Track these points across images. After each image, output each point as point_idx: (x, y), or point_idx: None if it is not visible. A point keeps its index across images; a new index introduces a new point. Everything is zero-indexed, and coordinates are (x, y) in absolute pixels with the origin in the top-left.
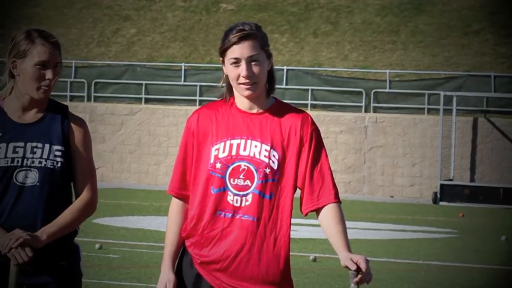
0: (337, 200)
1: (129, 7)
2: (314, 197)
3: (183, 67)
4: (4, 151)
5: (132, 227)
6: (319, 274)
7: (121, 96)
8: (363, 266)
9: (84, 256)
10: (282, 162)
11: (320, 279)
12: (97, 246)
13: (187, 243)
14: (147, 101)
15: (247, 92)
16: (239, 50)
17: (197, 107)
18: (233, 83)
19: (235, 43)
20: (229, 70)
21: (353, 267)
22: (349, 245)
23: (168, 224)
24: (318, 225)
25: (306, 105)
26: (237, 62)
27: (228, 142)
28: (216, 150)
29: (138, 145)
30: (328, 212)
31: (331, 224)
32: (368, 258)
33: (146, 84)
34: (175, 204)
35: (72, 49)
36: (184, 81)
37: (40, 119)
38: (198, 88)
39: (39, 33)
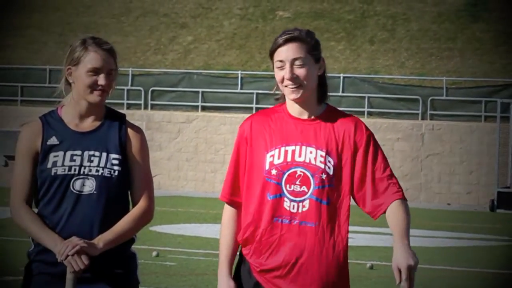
0: (402, 197)
1: (185, 15)
2: (382, 199)
3: (239, 75)
4: (61, 159)
5: (189, 234)
6: (376, 282)
7: (178, 104)
8: (402, 276)
9: (141, 264)
10: (337, 167)
11: (377, 287)
12: (154, 253)
13: (244, 251)
14: (204, 109)
15: (292, 96)
16: (284, 53)
17: None
18: (280, 86)
19: (280, 45)
20: (275, 72)
21: (397, 280)
22: (403, 236)
23: (221, 231)
24: (375, 233)
25: (362, 113)
26: (282, 64)
27: (282, 149)
28: (271, 156)
29: (194, 153)
30: (392, 209)
31: (393, 218)
32: (420, 265)
33: (202, 92)
34: (228, 211)
35: (129, 57)
36: (241, 88)
37: (97, 128)
38: (254, 95)
39: (93, 40)
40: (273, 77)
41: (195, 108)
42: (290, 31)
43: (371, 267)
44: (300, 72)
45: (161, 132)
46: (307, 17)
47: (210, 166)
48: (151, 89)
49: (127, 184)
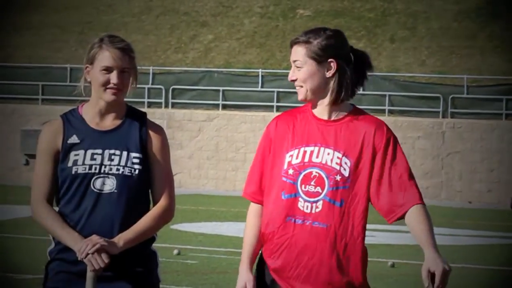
0: (421, 201)
1: (206, 13)
2: (398, 203)
3: (260, 73)
4: (82, 158)
5: (210, 233)
6: (397, 280)
7: (199, 103)
8: (436, 281)
9: (162, 262)
10: (354, 169)
11: (398, 285)
12: (175, 252)
13: (262, 249)
14: (225, 107)
15: (298, 96)
16: (291, 56)
17: (274, 113)
18: None
19: (291, 47)
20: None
21: (426, 283)
22: (433, 243)
23: (245, 227)
24: (396, 231)
25: (383, 111)
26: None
27: (302, 149)
28: (290, 156)
29: (215, 151)
30: (413, 214)
31: (416, 224)
32: (448, 268)
33: (223, 90)
34: (252, 208)
35: (149, 56)
36: (262, 87)
37: (118, 126)
38: (275, 94)
39: (109, 38)
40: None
41: (216, 106)
42: (304, 33)
43: (392, 265)
44: (298, 73)
45: (182, 131)
46: (327, 15)
47: (231, 165)
48: (171, 87)
49: (148, 183)
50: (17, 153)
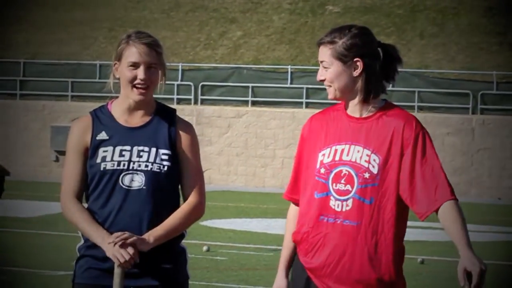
0: (454, 197)
1: (235, 10)
2: (430, 200)
3: (289, 70)
4: (111, 154)
5: (240, 229)
6: (427, 277)
7: (228, 99)
8: (474, 281)
9: (192, 259)
10: (383, 166)
11: (428, 282)
12: (204, 248)
13: (297, 249)
14: (254, 103)
15: (329, 96)
16: (319, 54)
17: (304, 109)
18: None
19: (318, 47)
20: None
21: (462, 283)
22: (467, 241)
23: (285, 229)
24: (426, 227)
25: (413, 107)
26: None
27: (333, 148)
28: (322, 155)
29: (245, 148)
30: (446, 210)
31: (449, 221)
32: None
33: (252, 87)
34: (291, 209)
35: (178, 52)
36: (291, 83)
37: (147, 123)
38: (304, 90)
39: (136, 34)
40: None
41: (245, 103)
42: (329, 33)
43: (422, 262)
44: (326, 74)
45: (211, 127)
46: (356, 12)
47: (260, 161)
48: (201, 84)
49: (177, 180)
50: (47, 150)
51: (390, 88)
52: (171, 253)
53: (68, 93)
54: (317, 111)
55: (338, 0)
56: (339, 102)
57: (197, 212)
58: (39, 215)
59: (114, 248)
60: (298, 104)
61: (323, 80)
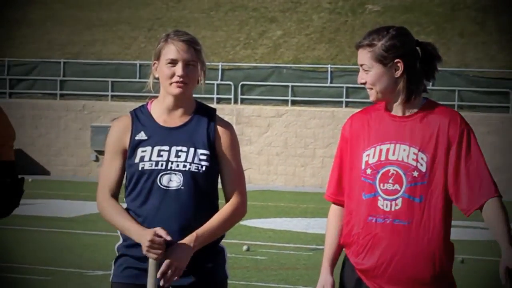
0: (498, 194)
1: (275, 9)
2: (475, 196)
3: (329, 69)
4: (149, 154)
5: (279, 228)
6: (466, 276)
7: (268, 98)
8: None
9: (232, 258)
10: (431, 164)
11: (468, 281)
12: (244, 248)
13: (346, 251)
14: (294, 103)
15: (370, 97)
16: (358, 57)
17: (343, 108)
18: None
19: (357, 49)
20: None
21: (503, 281)
22: (510, 239)
23: (327, 228)
24: (466, 226)
25: (453, 106)
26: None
27: (378, 148)
28: (366, 156)
29: (285, 147)
30: (490, 207)
31: (492, 218)
32: None
33: (292, 86)
34: (333, 209)
35: (218, 52)
36: (331, 82)
37: (186, 123)
38: (344, 89)
39: (174, 32)
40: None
41: (285, 102)
42: (367, 35)
43: (462, 261)
44: (367, 77)
45: (251, 127)
46: (396, 11)
47: (300, 160)
48: (240, 83)
49: (216, 180)
50: (87, 150)
51: (429, 87)
52: (211, 252)
53: (108, 93)
54: (357, 110)
55: None
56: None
57: (240, 213)
58: (79, 214)
59: (149, 247)
60: (338, 103)
61: (364, 83)
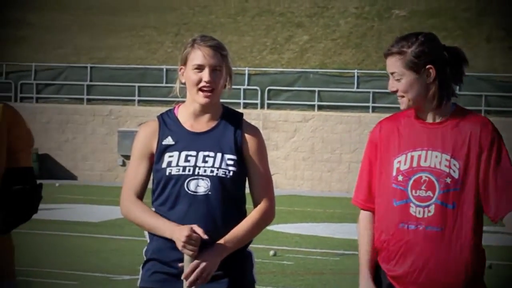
0: None
1: (301, 14)
2: (502, 203)
3: (356, 74)
4: (176, 159)
5: (306, 233)
6: (494, 282)
7: (294, 103)
8: None
9: (258, 263)
10: (463, 170)
11: (496, 287)
12: (271, 253)
13: (378, 257)
14: (320, 108)
15: (401, 106)
16: (387, 66)
17: (370, 113)
18: None
19: (385, 57)
20: None
21: None
22: None
23: (359, 235)
24: (494, 232)
25: (479, 111)
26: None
27: (409, 154)
28: (398, 162)
29: (311, 152)
30: None
31: None
32: None
33: (319, 91)
34: (364, 216)
35: (245, 57)
36: (357, 87)
37: (213, 128)
38: (371, 94)
39: (200, 37)
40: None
41: (312, 107)
42: (396, 43)
43: (490, 267)
44: (399, 85)
45: (277, 132)
46: (423, 16)
47: (327, 166)
48: (267, 88)
49: (243, 185)
50: (114, 154)
51: (457, 91)
52: (239, 257)
53: (135, 97)
54: (383, 115)
55: (404, 4)
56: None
57: (268, 219)
58: (105, 219)
59: (186, 242)
60: (365, 108)
61: (395, 91)
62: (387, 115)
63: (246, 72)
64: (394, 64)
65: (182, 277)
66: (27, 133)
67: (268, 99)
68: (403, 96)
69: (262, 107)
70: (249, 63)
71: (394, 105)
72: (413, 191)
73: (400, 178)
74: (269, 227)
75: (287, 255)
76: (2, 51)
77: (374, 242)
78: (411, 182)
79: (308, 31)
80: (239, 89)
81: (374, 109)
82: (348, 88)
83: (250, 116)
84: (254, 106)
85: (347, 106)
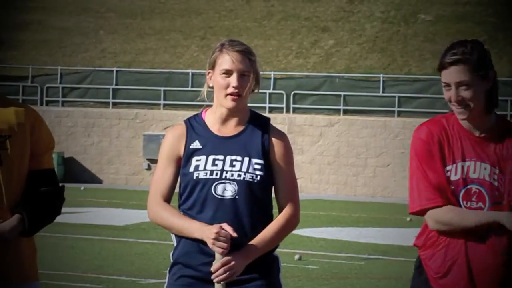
0: None
1: (327, 19)
2: None
3: (381, 78)
4: (203, 163)
5: (331, 238)
6: None
7: (320, 107)
8: None
9: (284, 267)
10: (510, 184)
11: None
12: (296, 257)
13: (423, 261)
14: (346, 112)
15: (460, 116)
16: (449, 76)
17: (396, 118)
18: (448, 104)
19: (445, 67)
20: (443, 90)
21: None
22: None
23: (460, 219)
24: None
25: (505, 116)
26: (447, 86)
27: (459, 165)
28: (448, 171)
29: (336, 156)
30: None
31: None
32: None
33: (344, 95)
34: (446, 210)
35: (270, 61)
36: (383, 92)
37: (240, 132)
38: (396, 99)
39: (229, 42)
40: (414, 80)
41: (337, 111)
42: (454, 50)
43: None
44: (466, 94)
45: (302, 136)
46: (449, 20)
47: (352, 170)
48: (293, 92)
49: (270, 189)
50: (139, 158)
51: None
52: (266, 262)
53: (160, 101)
54: (409, 119)
55: (430, 9)
56: (448, 112)
57: (293, 224)
58: (131, 223)
59: (215, 239)
60: (390, 113)
61: (458, 101)
62: (412, 119)
63: (272, 76)
64: (460, 73)
65: (212, 269)
66: (49, 135)
67: (294, 103)
68: (467, 105)
69: (287, 111)
70: (274, 67)
71: (419, 109)
72: (464, 202)
73: (451, 188)
74: (294, 231)
75: (312, 259)
76: (28, 55)
77: (420, 239)
78: (462, 193)
79: (334, 36)
80: (265, 93)
81: (400, 114)
82: (374, 92)
83: (276, 120)
84: (279, 110)
85: (372, 111)
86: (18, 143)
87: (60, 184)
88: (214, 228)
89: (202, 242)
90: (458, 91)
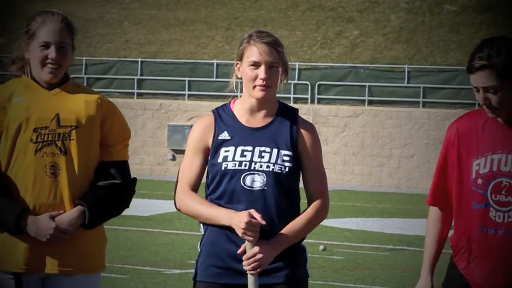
0: None
1: (352, 9)
2: None
3: (406, 69)
4: (232, 154)
5: (356, 228)
6: None
7: (344, 98)
8: None
9: (309, 258)
10: None
11: None
12: (321, 247)
13: (454, 258)
14: (370, 103)
15: (490, 115)
16: (476, 81)
17: (420, 109)
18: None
19: (472, 72)
20: (474, 92)
21: None
22: None
23: (426, 231)
24: None
25: None
26: (476, 88)
27: (489, 157)
28: (477, 165)
29: (361, 147)
30: None
31: None
32: None
33: (369, 86)
34: (433, 212)
35: (295, 51)
36: (408, 82)
37: (269, 123)
38: (421, 89)
39: (257, 33)
40: (440, 70)
41: (362, 102)
42: (481, 54)
43: None
44: (494, 98)
45: (327, 126)
46: (474, 11)
47: (377, 161)
48: (317, 83)
49: (298, 180)
50: (164, 149)
51: None
52: (294, 251)
53: (185, 92)
54: (434, 110)
55: None
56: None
57: (322, 216)
58: (155, 213)
59: (246, 228)
60: (415, 104)
61: (486, 104)
62: (437, 110)
63: (297, 66)
64: (486, 78)
65: (244, 258)
66: (123, 127)
67: (318, 93)
68: (496, 108)
69: (312, 102)
70: (299, 57)
71: (444, 100)
72: (493, 196)
73: (479, 181)
74: None
75: (337, 250)
76: None
77: (453, 243)
78: (491, 186)
79: (359, 26)
80: (290, 83)
81: (425, 104)
82: (399, 83)
83: (301, 111)
84: (304, 101)
85: (397, 101)
86: (84, 134)
87: (132, 177)
88: (244, 217)
89: (229, 229)
90: (486, 95)
